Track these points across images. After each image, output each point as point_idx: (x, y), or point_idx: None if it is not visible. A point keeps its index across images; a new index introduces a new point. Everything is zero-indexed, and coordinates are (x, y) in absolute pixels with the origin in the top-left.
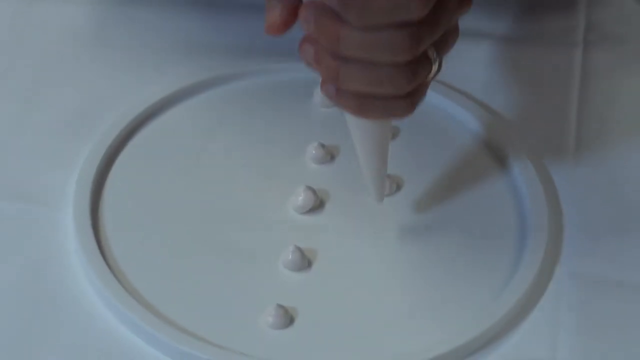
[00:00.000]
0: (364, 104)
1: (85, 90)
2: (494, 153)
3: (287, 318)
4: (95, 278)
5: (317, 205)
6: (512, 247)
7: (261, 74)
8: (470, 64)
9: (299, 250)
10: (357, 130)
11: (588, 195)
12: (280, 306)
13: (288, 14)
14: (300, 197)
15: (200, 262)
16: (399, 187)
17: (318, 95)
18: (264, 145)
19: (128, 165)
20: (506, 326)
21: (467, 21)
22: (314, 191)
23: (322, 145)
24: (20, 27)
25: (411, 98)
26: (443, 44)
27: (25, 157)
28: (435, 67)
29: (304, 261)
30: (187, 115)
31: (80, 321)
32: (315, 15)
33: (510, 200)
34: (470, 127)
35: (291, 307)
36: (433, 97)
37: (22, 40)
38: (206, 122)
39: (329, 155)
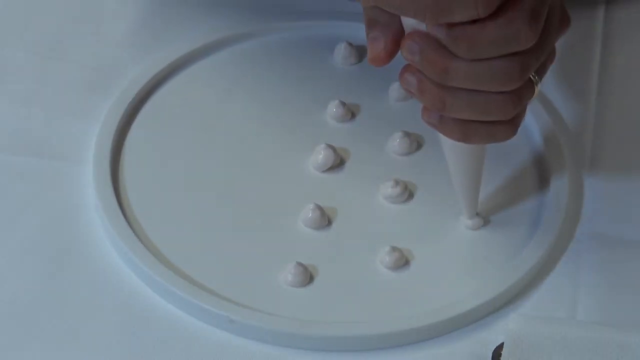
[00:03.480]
0: (469, 130)
1: (107, 45)
2: None
3: (307, 276)
4: (115, 234)
5: (337, 163)
6: (533, 206)
7: (282, 31)
8: None
9: (319, 208)
10: (453, 153)
11: (609, 154)
12: (299, 264)
13: (392, 45)
14: (321, 155)
15: (219, 220)
16: (419, 146)
17: (339, 53)
18: (284, 103)
19: (148, 122)
20: (527, 285)
21: None
22: (334, 149)
23: (343, 103)
24: None
25: (514, 121)
26: (542, 66)
27: (46, 112)
28: (537, 90)
29: (324, 219)
30: (208, 72)
31: (99, 276)
32: (421, 48)
33: (532, 161)
34: None
35: (311, 265)
36: None
37: None
38: (227, 79)
39: (350, 113)
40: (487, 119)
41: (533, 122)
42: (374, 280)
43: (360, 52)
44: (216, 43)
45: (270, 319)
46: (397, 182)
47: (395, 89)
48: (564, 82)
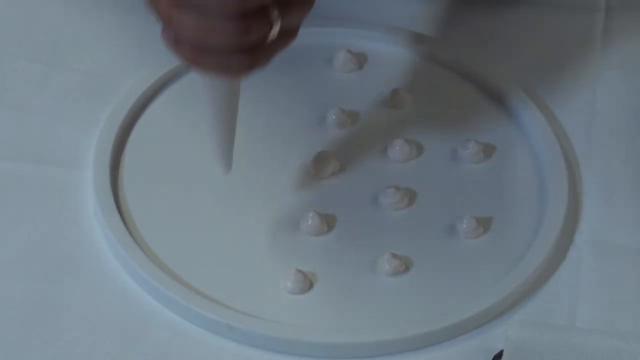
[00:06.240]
0: (199, 54)
1: (107, 52)
2: (514, 121)
3: (306, 283)
4: (114, 240)
5: (337, 170)
6: (532, 213)
7: None
8: (493, 30)
9: (319, 215)
10: (206, 91)
11: (608, 162)
12: (299, 271)
13: None
14: (320, 162)
15: (219, 227)
16: (419, 153)
17: (338, 61)
18: (284, 110)
19: (148, 128)
20: (526, 292)
21: None
22: (333, 156)
23: (342, 110)
24: None
25: (248, 57)
26: (288, 6)
27: (46, 119)
28: (276, 30)
29: (324, 226)
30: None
31: (99, 283)
32: None
33: (530, 167)
34: (492, 94)
35: (310, 272)
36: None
37: (44, 0)
38: None
39: (349, 120)
40: (212, 41)
41: (532, 126)
42: (374, 287)
43: (359, 59)
44: None
45: (269, 326)
46: (396, 189)
47: (394, 96)
48: (564, 86)
